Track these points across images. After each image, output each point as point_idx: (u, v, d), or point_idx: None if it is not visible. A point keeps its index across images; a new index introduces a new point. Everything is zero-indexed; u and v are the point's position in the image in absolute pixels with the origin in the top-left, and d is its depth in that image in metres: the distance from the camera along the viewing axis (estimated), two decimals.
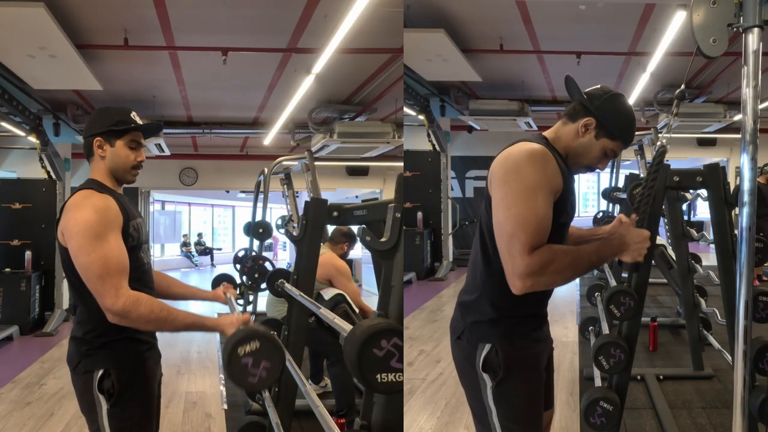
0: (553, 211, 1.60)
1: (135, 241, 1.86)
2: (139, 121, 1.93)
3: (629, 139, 1.72)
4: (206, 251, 18.61)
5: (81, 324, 1.85)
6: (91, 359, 1.82)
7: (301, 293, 2.58)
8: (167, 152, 8.38)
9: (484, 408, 1.70)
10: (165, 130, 8.00)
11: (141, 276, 1.90)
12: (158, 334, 1.99)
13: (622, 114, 1.69)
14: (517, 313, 1.68)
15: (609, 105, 1.68)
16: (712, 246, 3.13)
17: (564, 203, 1.64)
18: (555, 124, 1.75)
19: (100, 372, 1.80)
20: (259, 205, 6.85)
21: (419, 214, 9.24)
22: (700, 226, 4.57)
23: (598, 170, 1.79)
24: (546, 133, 1.73)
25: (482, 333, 1.68)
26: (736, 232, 1.68)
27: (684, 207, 4.38)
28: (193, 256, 18.04)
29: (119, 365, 1.82)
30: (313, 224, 2.65)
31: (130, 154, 1.91)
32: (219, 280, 2.66)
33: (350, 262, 12.71)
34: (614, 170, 6.86)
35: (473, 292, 1.69)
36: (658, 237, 3.12)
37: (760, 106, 1.52)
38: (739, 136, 1.50)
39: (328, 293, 3.64)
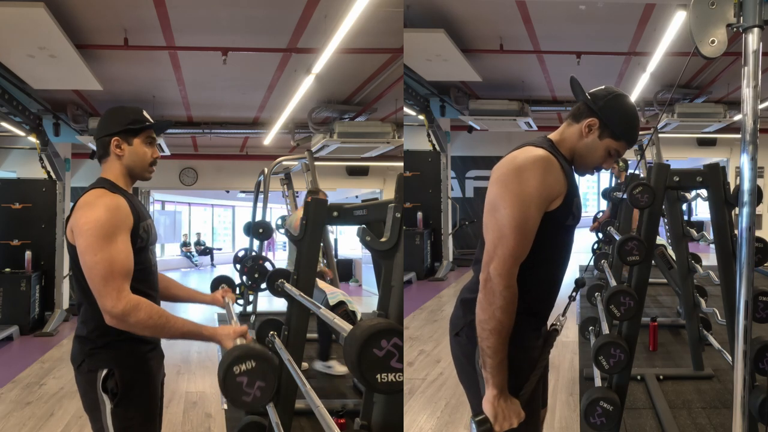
0: (559, 215, 1.62)
1: (144, 241, 1.87)
2: (151, 119, 1.96)
3: (633, 139, 1.73)
4: (206, 251, 18.60)
5: (85, 323, 1.85)
6: (95, 358, 1.82)
7: (301, 293, 2.58)
8: (167, 152, 8.38)
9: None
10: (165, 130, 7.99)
11: (147, 277, 1.90)
12: None
13: (625, 114, 1.70)
14: (519, 311, 1.68)
15: (612, 105, 1.69)
16: (712, 246, 3.13)
17: (569, 206, 1.65)
18: (561, 126, 1.76)
19: (104, 371, 1.81)
20: (259, 205, 6.86)
21: (419, 214, 9.24)
22: (700, 226, 4.56)
23: (603, 169, 1.80)
24: (551, 136, 1.74)
25: None
26: (736, 232, 1.68)
27: (684, 207, 4.38)
28: (192, 256, 18.04)
29: (123, 365, 1.83)
30: (313, 224, 2.65)
31: (147, 151, 1.94)
32: (218, 282, 2.66)
33: (350, 262, 12.77)
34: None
35: (477, 290, 1.69)
36: (658, 237, 3.12)
37: (760, 106, 1.52)
38: (739, 136, 1.50)
39: (332, 297, 3.67)
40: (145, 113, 1.95)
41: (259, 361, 1.50)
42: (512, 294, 1.56)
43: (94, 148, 8.51)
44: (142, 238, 1.86)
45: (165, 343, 2.00)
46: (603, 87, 1.72)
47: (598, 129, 1.69)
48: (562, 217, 1.63)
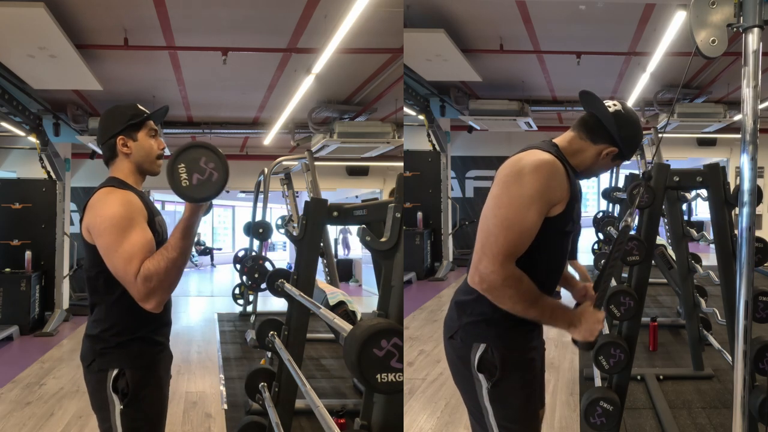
0: (559, 221, 1.62)
1: (160, 236, 1.86)
2: (147, 111, 1.96)
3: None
4: (206, 251, 18.61)
5: (97, 322, 1.84)
6: (106, 358, 1.82)
7: (301, 293, 2.58)
8: (167, 152, 8.36)
9: (480, 408, 1.70)
10: (165, 130, 8.01)
11: None
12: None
13: (638, 140, 1.74)
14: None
15: (631, 134, 1.70)
16: (712, 246, 3.13)
17: (570, 212, 1.65)
18: (566, 133, 1.74)
19: (115, 371, 1.80)
20: (259, 205, 6.85)
21: (419, 214, 9.24)
22: (700, 226, 4.56)
23: None
24: (557, 141, 1.73)
25: (477, 333, 1.68)
26: (736, 232, 1.68)
27: (684, 207, 4.38)
28: (192, 256, 18.06)
29: (134, 365, 1.82)
30: (313, 224, 2.65)
31: (153, 144, 1.94)
32: None
33: (350, 262, 12.77)
34: (614, 170, 6.87)
35: (472, 292, 1.69)
36: (658, 237, 3.12)
37: (760, 106, 1.52)
38: (739, 136, 1.50)
39: (332, 298, 3.66)
40: (140, 106, 1.95)
41: (184, 153, 1.59)
42: (516, 280, 1.56)
43: (95, 148, 8.55)
44: (158, 232, 1.85)
45: None
46: (620, 107, 1.69)
47: (614, 154, 1.71)
48: (562, 223, 1.64)
